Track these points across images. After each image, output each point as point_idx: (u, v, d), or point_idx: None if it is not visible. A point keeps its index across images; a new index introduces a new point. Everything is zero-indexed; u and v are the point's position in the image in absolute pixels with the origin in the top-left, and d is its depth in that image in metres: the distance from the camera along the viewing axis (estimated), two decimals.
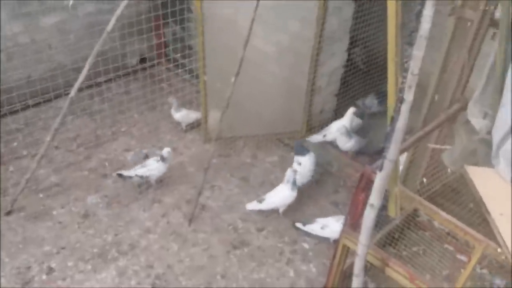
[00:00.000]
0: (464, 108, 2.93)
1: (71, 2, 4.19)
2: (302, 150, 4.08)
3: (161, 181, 4.01)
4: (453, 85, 2.96)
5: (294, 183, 3.72)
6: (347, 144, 4.28)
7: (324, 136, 4.44)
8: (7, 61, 4.29)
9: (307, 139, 4.52)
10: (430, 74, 3.02)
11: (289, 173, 3.74)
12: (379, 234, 3.44)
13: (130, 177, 3.84)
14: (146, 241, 3.53)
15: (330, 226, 3.58)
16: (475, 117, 2.73)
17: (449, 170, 2.95)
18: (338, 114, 4.90)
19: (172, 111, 4.55)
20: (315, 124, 4.67)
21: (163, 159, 3.88)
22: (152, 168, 3.85)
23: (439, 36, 2.71)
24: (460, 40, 2.75)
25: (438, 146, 3.12)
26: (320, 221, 3.66)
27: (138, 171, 3.84)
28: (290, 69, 4.23)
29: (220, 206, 3.89)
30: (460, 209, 3.20)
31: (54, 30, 4.51)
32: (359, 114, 4.53)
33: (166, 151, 3.91)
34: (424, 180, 3.06)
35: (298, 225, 3.70)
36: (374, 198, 2.16)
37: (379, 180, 2.10)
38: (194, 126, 4.68)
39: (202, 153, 4.36)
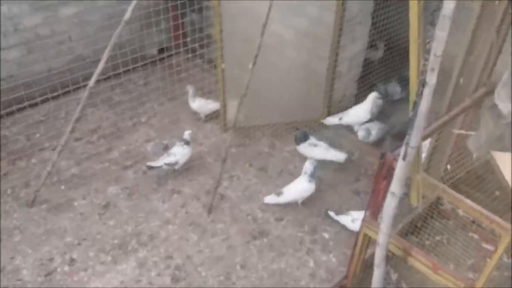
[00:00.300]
0: (490, 92, 2.80)
1: None
2: (304, 137, 4.06)
3: (175, 171, 4.00)
4: (480, 68, 2.84)
5: (312, 175, 3.67)
6: (368, 139, 4.27)
7: (340, 119, 4.36)
8: (28, 53, 4.35)
9: (322, 121, 4.45)
10: (454, 57, 2.90)
11: (307, 165, 3.68)
12: (401, 223, 3.37)
13: (159, 167, 3.87)
14: (165, 232, 3.54)
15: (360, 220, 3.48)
16: (503, 101, 2.60)
17: (474, 156, 2.84)
18: (359, 100, 4.78)
19: (189, 100, 4.54)
20: (336, 111, 4.58)
21: (186, 142, 3.91)
22: (179, 153, 3.89)
23: (464, 16, 2.59)
24: (487, 19, 2.62)
25: (463, 132, 3.01)
26: (353, 214, 3.57)
27: (166, 159, 3.87)
28: (309, 55, 4.14)
29: (239, 196, 3.87)
30: (485, 196, 3.09)
31: (73, 22, 4.53)
32: (380, 96, 4.43)
33: (187, 133, 3.94)
34: (448, 167, 2.95)
35: (331, 214, 3.65)
36: (395, 186, 2.09)
37: (400, 168, 2.02)
38: (213, 116, 4.66)
39: (221, 143, 4.33)
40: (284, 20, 3.89)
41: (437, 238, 3.47)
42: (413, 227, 3.43)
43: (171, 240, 3.49)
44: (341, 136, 4.45)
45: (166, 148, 4.23)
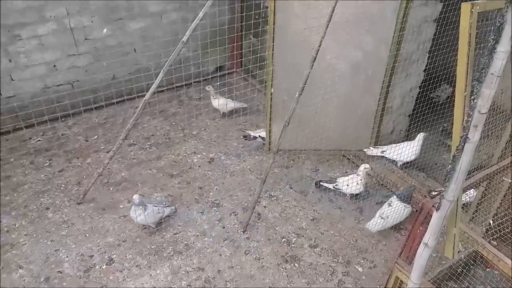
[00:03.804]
0: None
1: (104, 31, 4.51)
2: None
3: (221, 185, 4.10)
4: None
5: None
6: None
7: (383, 152, 4.35)
8: (95, 61, 4.68)
9: (364, 150, 4.42)
10: None
11: None
12: (439, 267, 3.24)
13: (255, 138, 4.47)
14: (200, 243, 3.64)
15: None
16: None
17: None
18: (410, 135, 4.70)
19: (211, 98, 4.83)
20: (384, 144, 4.51)
21: None
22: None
23: None
24: None
25: None
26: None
27: (261, 133, 4.45)
28: (361, 87, 4.12)
29: (276, 217, 3.90)
30: None
31: (139, 35, 4.83)
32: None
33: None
34: (491, 222, 2.81)
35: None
36: (429, 238, 2.03)
37: (435, 219, 1.96)
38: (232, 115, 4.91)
39: (265, 162, 4.40)
40: (339, 52, 3.90)
41: (479, 287, 3.29)
42: (453, 273, 3.27)
43: (205, 252, 3.58)
44: (386, 169, 4.38)
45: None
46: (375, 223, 3.65)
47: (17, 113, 4.10)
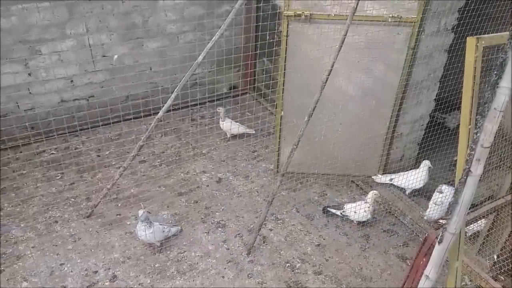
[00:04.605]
0: None
1: (115, 57, 4.64)
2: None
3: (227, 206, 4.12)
4: None
5: None
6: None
7: (391, 179, 4.36)
8: (111, 78, 4.79)
9: (373, 177, 4.40)
10: None
11: None
12: None
13: None
14: (204, 264, 3.63)
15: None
16: None
17: None
18: (419, 162, 4.66)
19: (220, 120, 4.86)
20: (392, 171, 4.49)
21: None
22: None
23: None
24: None
25: None
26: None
27: None
28: (370, 113, 4.13)
29: (281, 241, 3.88)
30: None
31: (156, 54, 4.94)
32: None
33: None
34: (495, 256, 2.75)
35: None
36: (431, 270, 2.01)
37: (437, 252, 1.95)
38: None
39: (273, 184, 4.40)
40: (349, 76, 3.94)
41: None
42: None
43: (208, 273, 3.56)
44: (394, 196, 4.34)
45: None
46: (433, 210, 3.79)
47: (33, 126, 4.21)
